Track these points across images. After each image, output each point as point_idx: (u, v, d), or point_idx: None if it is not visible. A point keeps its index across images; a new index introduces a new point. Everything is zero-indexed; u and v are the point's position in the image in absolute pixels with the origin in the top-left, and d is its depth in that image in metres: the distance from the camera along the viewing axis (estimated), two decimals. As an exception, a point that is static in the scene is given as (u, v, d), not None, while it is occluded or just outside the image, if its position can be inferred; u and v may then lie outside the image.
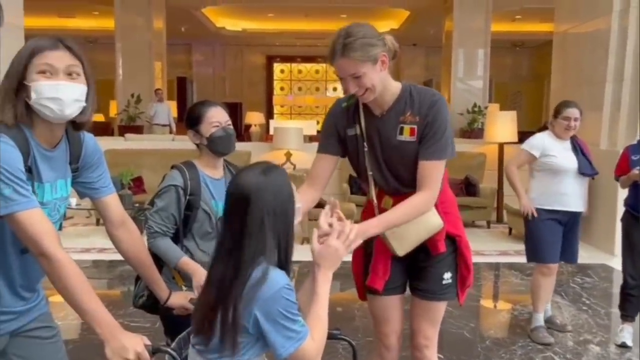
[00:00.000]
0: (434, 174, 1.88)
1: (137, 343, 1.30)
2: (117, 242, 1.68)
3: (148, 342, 1.32)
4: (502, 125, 7.32)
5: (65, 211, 1.58)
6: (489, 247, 6.07)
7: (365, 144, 1.91)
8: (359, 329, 3.67)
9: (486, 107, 10.15)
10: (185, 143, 2.03)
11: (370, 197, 2.00)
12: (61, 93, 1.35)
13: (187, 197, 1.99)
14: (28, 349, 1.52)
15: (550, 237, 3.49)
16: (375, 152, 1.92)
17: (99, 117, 13.94)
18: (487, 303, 4.60)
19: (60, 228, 1.56)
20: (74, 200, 6.52)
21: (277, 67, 18.28)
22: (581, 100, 5.91)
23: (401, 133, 1.87)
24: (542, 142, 3.50)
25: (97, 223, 6.89)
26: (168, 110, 11.19)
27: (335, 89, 18.32)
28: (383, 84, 1.84)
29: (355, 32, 1.76)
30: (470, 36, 11.05)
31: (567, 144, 3.51)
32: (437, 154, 1.87)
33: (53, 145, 1.46)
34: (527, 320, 3.81)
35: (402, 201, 1.87)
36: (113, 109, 12.12)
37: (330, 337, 1.76)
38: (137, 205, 5.89)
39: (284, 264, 1.38)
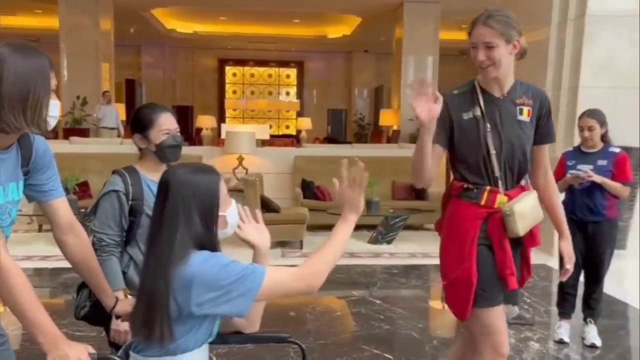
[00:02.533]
0: (547, 155, 2.16)
1: (80, 352, 1.29)
2: (65, 248, 1.65)
3: (92, 351, 1.31)
4: (449, 131, 7.52)
5: (16, 215, 1.54)
6: (436, 250, 6.20)
7: (487, 124, 2.00)
8: (310, 333, 3.70)
9: (435, 113, 10.42)
10: (134, 147, 2.00)
11: (497, 177, 2.01)
12: (59, 112, 1.47)
13: (130, 203, 1.96)
14: None
15: None
16: (497, 131, 2.01)
17: (42, 120, 13.41)
18: (435, 304, 4.73)
19: (10, 233, 1.52)
20: (15, 206, 6.29)
21: (229, 70, 18.14)
22: (523, 108, 6.21)
23: (521, 113, 2.04)
24: None
25: (40, 229, 6.63)
26: (116, 113, 10.90)
27: (288, 94, 18.34)
28: (508, 67, 1.99)
29: (501, 11, 1.97)
30: (420, 43, 11.33)
31: None
32: (551, 137, 2.14)
33: (5, 148, 1.44)
34: (472, 320, 3.94)
35: (514, 196, 2.00)
36: (57, 111, 11.68)
37: (280, 340, 1.80)
38: (82, 210, 5.72)
39: None
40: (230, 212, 1.50)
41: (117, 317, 1.79)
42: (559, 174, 3.63)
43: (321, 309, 4.43)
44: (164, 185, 1.44)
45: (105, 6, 11.40)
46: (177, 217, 1.40)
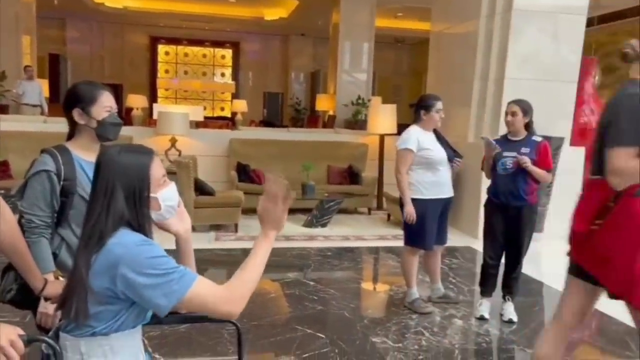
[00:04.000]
0: None
1: (9, 332, 1.25)
2: None
3: (22, 332, 1.27)
4: (383, 118, 7.71)
5: None
6: (369, 233, 6.41)
7: None
8: (244, 314, 3.70)
9: (369, 100, 10.62)
10: (59, 125, 1.94)
11: None
12: None
13: (62, 183, 1.90)
14: None
15: (430, 225, 3.80)
16: None
17: (-46, 94, 12.47)
18: (366, 285, 4.88)
19: None
20: None
21: (162, 48, 17.53)
22: (452, 97, 6.47)
23: None
24: (416, 137, 3.76)
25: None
26: (39, 89, 10.29)
27: (223, 75, 17.99)
28: None
29: None
30: (356, 29, 11.45)
31: (433, 136, 3.83)
32: None
33: None
34: (401, 300, 4.12)
35: None
36: (-28, 85, 10.89)
37: (215, 319, 1.81)
38: (2, 191, 5.41)
39: None
40: (164, 195, 1.49)
41: (46, 299, 1.73)
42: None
43: (255, 291, 4.42)
44: (96, 165, 1.45)
45: (27, -26, 10.71)
46: (103, 196, 1.41)
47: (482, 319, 3.81)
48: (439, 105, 3.79)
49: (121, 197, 1.40)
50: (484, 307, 3.85)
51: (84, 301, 1.35)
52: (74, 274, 1.40)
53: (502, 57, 6.17)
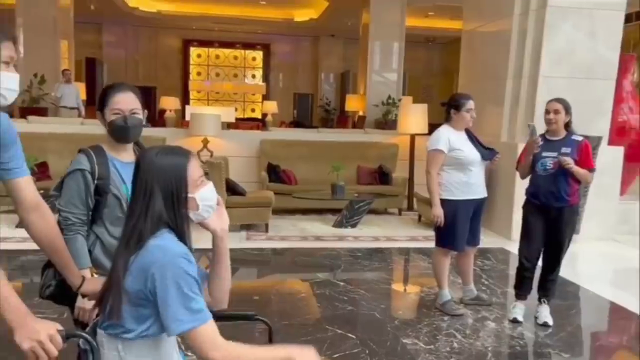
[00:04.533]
0: None
1: (49, 327, 1.29)
2: (30, 227, 1.63)
3: (61, 328, 1.31)
4: (414, 117, 7.65)
5: None
6: (399, 233, 6.36)
7: None
8: (275, 313, 3.75)
9: (400, 100, 10.53)
10: (95, 127, 1.99)
11: None
12: (18, 85, 1.43)
13: (96, 182, 1.93)
14: None
15: (461, 226, 3.75)
16: None
17: (-4, 97, 12.89)
18: (397, 286, 4.84)
19: None
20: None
21: (194, 51, 17.79)
22: (484, 96, 6.38)
23: None
24: (446, 137, 3.71)
25: (-4, 211, 6.44)
26: (76, 92, 10.57)
27: (254, 76, 18.15)
28: None
29: None
30: (386, 29, 11.38)
31: (464, 135, 3.78)
32: None
33: None
34: (432, 301, 4.07)
35: None
36: (13, 89, 11.26)
37: (246, 318, 1.83)
38: (41, 191, 5.57)
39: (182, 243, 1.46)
40: (202, 195, 1.50)
41: (84, 296, 1.78)
42: (522, 161, 3.73)
43: (286, 290, 4.49)
44: (135, 167, 1.48)
45: (65, -20, 11.00)
46: (142, 198, 1.43)
47: (515, 321, 3.73)
48: (469, 104, 3.73)
49: (159, 198, 1.43)
50: (518, 309, 3.78)
51: (119, 302, 1.38)
52: (112, 274, 1.43)
53: (536, 55, 6.05)
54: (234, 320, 1.87)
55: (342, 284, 4.47)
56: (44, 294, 1.99)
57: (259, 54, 18.01)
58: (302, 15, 14.96)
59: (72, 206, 1.93)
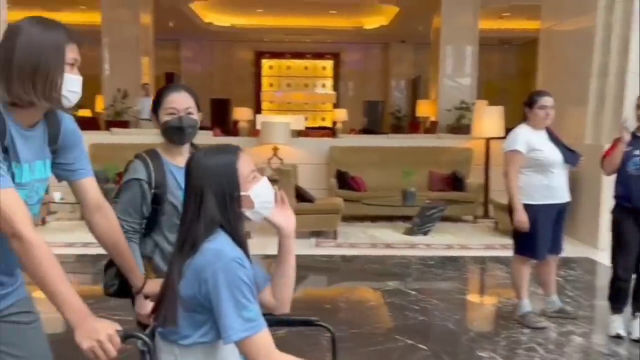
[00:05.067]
0: None
1: (108, 326, 1.28)
2: (94, 228, 1.65)
3: (120, 328, 1.30)
4: (489, 121, 7.35)
5: (44, 194, 1.55)
6: (475, 241, 6.09)
7: None
8: (344, 322, 3.66)
9: (473, 103, 10.18)
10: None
11: None
12: (80, 87, 1.43)
13: (153, 191, 1.89)
14: (7, 334, 1.48)
15: (542, 233, 3.50)
16: None
17: (85, 112, 13.77)
18: (472, 296, 4.61)
19: (38, 211, 1.53)
20: (57, 195, 6.47)
21: (266, 63, 18.20)
22: (566, 96, 6.00)
23: None
24: (524, 137, 3.48)
25: (82, 217, 6.82)
26: (155, 104, 11.07)
27: (324, 86, 18.28)
28: None
29: None
30: (459, 33, 11.07)
31: (545, 135, 3.52)
32: None
33: (31, 125, 1.44)
34: (510, 313, 3.83)
35: None
36: (99, 104, 12.00)
37: (308, 323, 1.76)
38: (116, 199, 5.83)
39: (237, 245, 1.40)
40: (256, 191, 1.44)
41: (146, 297, 1.78)
42: (610, 154, 3.43)
43: (355, 299, 4.39)
44: (185, 170, 1.46)
45: (145, 0, 11.59)
46: (194, 201, 1.40)
47: (618, 337, 3.38)
48: (543, 100, 3.47)
49: (212, 200, 1.38)
50: (618, 324, 3.41)
51: (174, 308, 1.35)
52: (167, 280, 1.41)
53: (623, 50, 5.62)
54: (296, 326, 1.81)
55: (413, 292, 4.32)
56: (109, 291, 2.00)
57: (328, 63, 18.14)
58: (372, 22, 14.90)
59: (127, 214, 1.91)
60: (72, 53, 1.40)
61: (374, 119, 17.24)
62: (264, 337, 1.31)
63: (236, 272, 1.31)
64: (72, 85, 1.41)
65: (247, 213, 1.44)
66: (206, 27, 14.77)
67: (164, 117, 1.92)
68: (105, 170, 6.21)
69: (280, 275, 1.55)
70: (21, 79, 1.34)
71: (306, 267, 5.03)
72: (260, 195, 1.44)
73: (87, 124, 11.52)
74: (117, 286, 1.91)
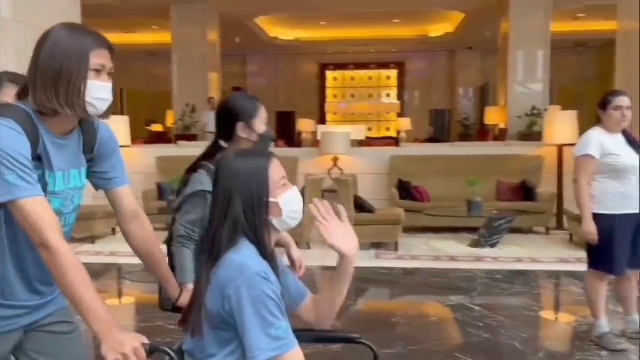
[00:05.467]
0: None
1: (134, 339, 1.25)
2: (129, 236, 1.64)
3: (146, 341, 1.27)
4: (562, 127, 6.93)
5: (80, 202, 1.54)
6: (547, 255, 5.72)
7: None
8: (401, 338, 3.51)
9: (545, 109, 9.68)
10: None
11: None
12: (109, 94, 1.40)
13: None
14: (45, 344, 1.49)
15: (620, 246, 3.20)
16: None
17: (157, 127, 14.41)
18: (542, 313, 4.30)
19: (74, 220, 1.53)
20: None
21: (330, 75, 18.28)
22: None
23: None
24: (598, 141, 3.21)
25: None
26: (220, 118, 11.36)
27: (388, 95, 18.11)
28: None
29: None
30: (529, 37, 10.61)
31: (622, 138, 3.23)
32: None
33: (65, 134, 1.44)
34: (586, 333, 3.52)
35: None
36: (170, 119, 12.49)
37: (349, 340, 1.66)
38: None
39: (263, 256, 1.32)
40: (285, 198, 1.38)
41: (181, 308, 1.75)
42: None
43: (414, 313, 4.22)
44: (215, 173, 1.41)
45: (212, 17, 11.97)
46: (221, 205, 1.34)
47: None
48: (617, 101, 3.18)
49: (239, 204, 1.33)
50: None
51: (201, 315, 1.30)
52: (196, 287, 1.37)
53: None
54: (336, 342, 1.71)
55: (478, 308, 4.09)
56: (164, 307, 2.01)
57: (393, 73, 17.95)
58: (437, 30, 14.62)
59: (190, 224, 1.94)
60: (98, 59, 1.36)
61: (440, 128, 16.83)
62: (294, 356, 1.23)
63: (261, 287, 1.23)
64: (97, 92, 1.37)
65: (274, 221, 1.38)
66: (271, 41, 15.06)
67: (262, 127, 2.06)
68: (170, 182, 6.38)
69: (334, 292, 1.47)
70: (44, 85, 1.33)
71: (365, 279, 4.90)
72: (289, 204, 1.39)
73: (158, 138, 12.04)
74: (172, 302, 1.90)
